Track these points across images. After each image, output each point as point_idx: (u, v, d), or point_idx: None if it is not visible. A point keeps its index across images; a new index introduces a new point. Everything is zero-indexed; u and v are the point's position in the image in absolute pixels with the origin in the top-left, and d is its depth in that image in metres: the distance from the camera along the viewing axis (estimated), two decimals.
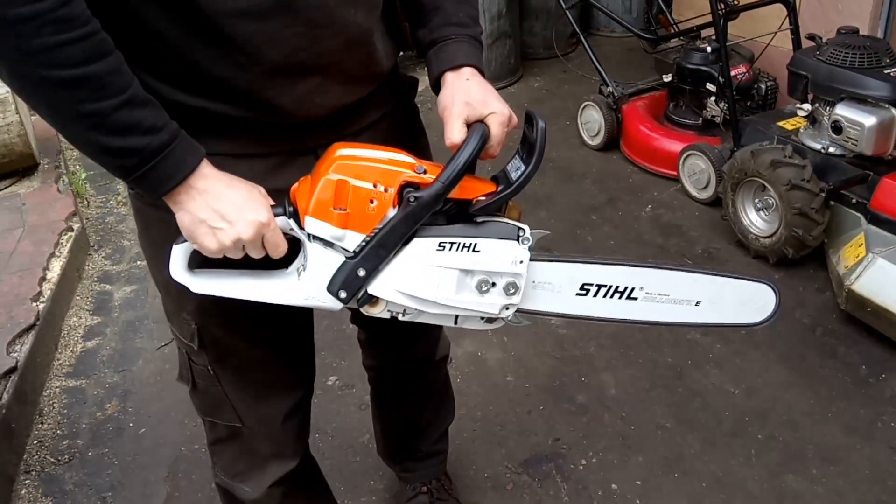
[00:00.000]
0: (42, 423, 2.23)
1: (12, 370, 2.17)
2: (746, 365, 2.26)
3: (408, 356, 1.58)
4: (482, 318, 1.13)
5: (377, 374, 1.68)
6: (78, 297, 2.77)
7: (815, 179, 2.46)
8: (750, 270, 2.65)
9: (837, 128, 2.47)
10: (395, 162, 1.04)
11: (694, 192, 3.09)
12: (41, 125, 3.70)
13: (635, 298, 1.15)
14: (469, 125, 1.09)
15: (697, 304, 1.16)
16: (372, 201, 1.03)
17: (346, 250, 1.04)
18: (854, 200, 2.46)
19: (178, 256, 1.08)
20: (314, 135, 1.11)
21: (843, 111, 2.45)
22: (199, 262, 1.08)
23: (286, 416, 1.34)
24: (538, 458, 2.00)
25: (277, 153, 1.11)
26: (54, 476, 2.06)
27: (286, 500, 1.43)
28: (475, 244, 1.07)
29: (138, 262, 2.98)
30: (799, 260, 2.60)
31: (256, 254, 1.02)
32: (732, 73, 2.93)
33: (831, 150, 2.55)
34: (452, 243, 1.06)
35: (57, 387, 2.37)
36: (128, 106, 0.90)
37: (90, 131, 0.89)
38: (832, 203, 2.50)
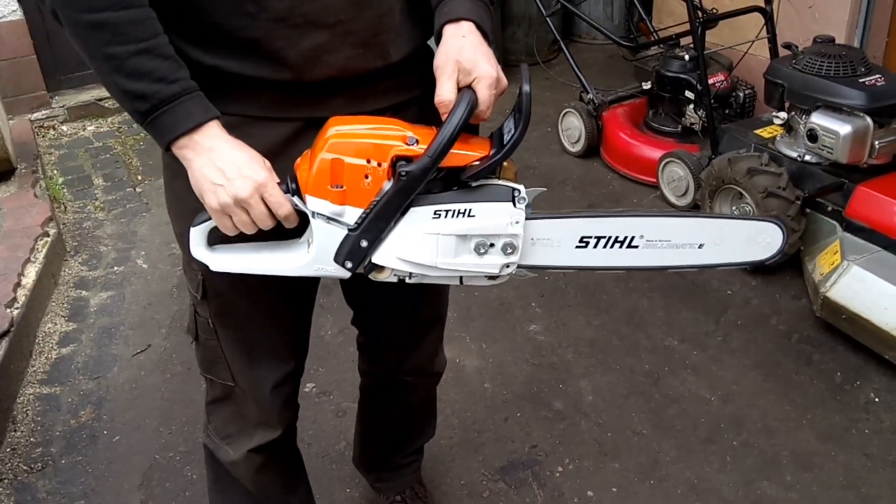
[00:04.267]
0: (15, 431, 2.21)
1: None
2: (723, 372, 2.27)
3: (405, 366, 1.57)
4: (486, 276, 1.16)
5: (371, 381, 1.69)
6: (53, 303, 2.74)
7: (791, 187, 2.48)
8: (727, 276, 2.66)
9: (813, 136, 2.49)
10: (387, 136, 1.08)
11: (673, 199, 3.10)
12: (18, 129, 3.68)
13: (636, 246, 1.17)
14: (459, 89, 1.09)
15: (700, 246, 1.18)
16: (367, 176, 1.07)
17: (347, 224, 1.09)
18: (830, 208, 2.48)
19: (197, 236, 1.15)
20: (330, 105, 1.13)
21: (818, 119, 2.47)
22: (217, 239, 1.15)
23: (275, 385, 1.38)
24: (514, 465, 2.00)
25: (294, 119, 1.14)
26: (27, 484, 2.04)
27: (263, 470, 1.47)
28: (470, 209, 1.10)
29: (115, 268, 2.96)
30: (775, 267, 2.62)
31: (262, 220, 1.06)
32: (710, 81, 2.95)
33: (807, 158, 2.57)
34: (447, 210, 1.09)
35: (31, 394, 2.34)
36: (145, 54, 1.00)
37: (112, 73, 1.00)
38: (808, 211, 2.53)
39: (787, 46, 2.71)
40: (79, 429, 2.21)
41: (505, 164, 1.12)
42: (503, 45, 4.47)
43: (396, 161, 1.06)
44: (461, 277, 1.17)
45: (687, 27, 2.96)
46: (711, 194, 2.72)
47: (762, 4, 2.96)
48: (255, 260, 1.16)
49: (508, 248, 1.12)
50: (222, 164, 1.03)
